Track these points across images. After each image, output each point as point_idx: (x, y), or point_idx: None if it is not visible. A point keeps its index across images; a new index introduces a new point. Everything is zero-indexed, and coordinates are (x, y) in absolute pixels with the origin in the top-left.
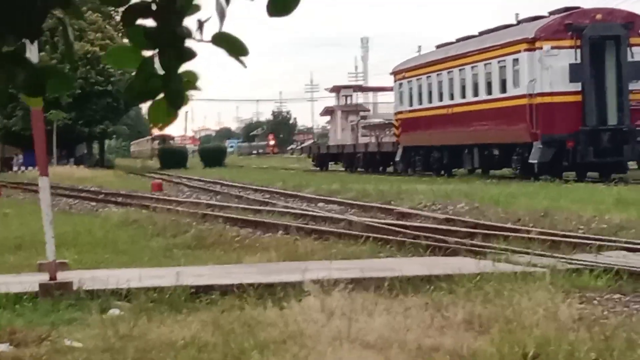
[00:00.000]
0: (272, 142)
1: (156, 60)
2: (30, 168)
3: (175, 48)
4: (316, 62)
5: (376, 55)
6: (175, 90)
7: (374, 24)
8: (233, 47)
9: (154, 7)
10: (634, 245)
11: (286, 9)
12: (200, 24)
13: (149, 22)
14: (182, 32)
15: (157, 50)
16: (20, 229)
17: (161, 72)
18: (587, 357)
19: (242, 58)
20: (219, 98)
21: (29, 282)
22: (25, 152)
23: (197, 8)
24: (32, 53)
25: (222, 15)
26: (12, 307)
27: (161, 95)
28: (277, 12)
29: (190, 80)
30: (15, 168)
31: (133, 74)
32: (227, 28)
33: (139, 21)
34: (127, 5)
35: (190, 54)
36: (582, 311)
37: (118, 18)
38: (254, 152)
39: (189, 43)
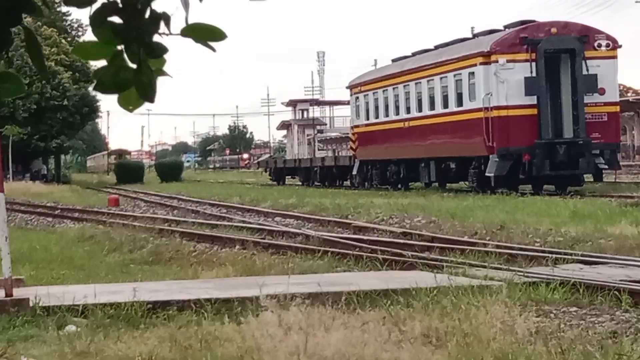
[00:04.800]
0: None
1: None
2: None
3: (144, 43)
4: (272, 76)
5: (332, 69)
6: (147, 82)
7: (330, 38)
8: (204, 34)
9: (120, 5)
10: (590, 258)
11: None
12: (167, 19)
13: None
14: (149, 27)
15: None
16: None
17: (132, 65)
18: None
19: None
20: (175, 112)
21: None
22: None
23: None
24: None
25: (186, 5)
26: None
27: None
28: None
29: (159, 67)
30: None
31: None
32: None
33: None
34: (97, 6)
35: (161, 49)
36: (539, 324)
37: (73, 32)
38: (211, 166)
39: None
